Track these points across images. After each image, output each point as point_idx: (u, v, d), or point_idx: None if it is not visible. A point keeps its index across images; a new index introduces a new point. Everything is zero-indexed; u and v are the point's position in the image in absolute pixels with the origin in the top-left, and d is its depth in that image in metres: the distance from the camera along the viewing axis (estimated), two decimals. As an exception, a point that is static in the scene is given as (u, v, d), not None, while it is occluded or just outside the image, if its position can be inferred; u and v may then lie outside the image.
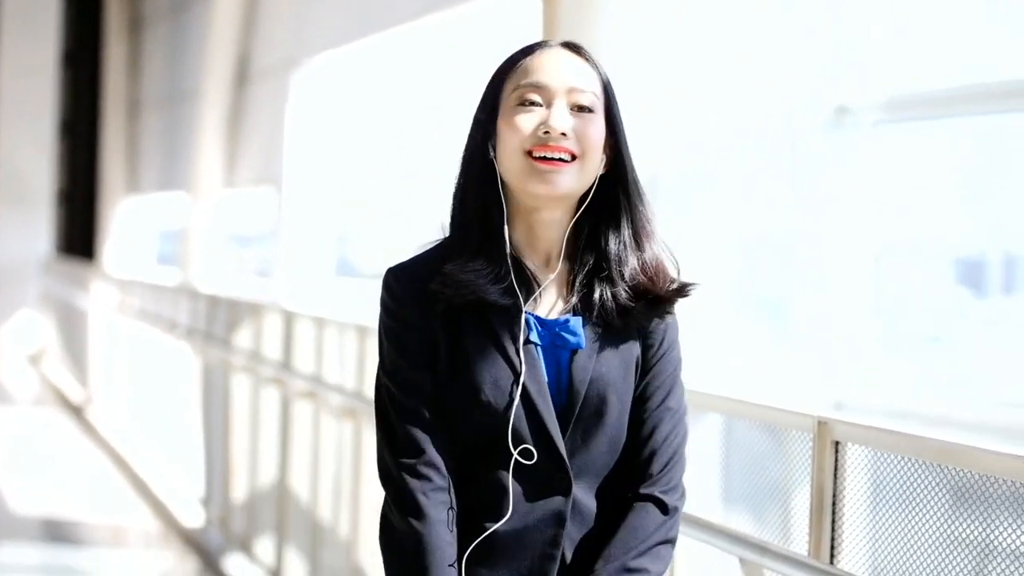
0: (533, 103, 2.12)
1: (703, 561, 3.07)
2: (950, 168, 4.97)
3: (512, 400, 2.07)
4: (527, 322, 2.11)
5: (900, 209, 5.00)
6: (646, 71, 4.67)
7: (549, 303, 2.16)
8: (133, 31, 15.30)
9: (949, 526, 2.35)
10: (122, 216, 15.19)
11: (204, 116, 11.25)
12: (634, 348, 2.16)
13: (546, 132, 2.10)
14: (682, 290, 2.16)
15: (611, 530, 2.11)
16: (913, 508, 2.41)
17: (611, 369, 2.13)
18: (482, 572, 2.10)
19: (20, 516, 8.11)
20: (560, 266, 2.16)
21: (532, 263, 2.16)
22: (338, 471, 5.49)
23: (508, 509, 2.09)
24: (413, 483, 2.07)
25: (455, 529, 2.09)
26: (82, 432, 11.41)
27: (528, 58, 2.16)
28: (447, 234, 2.18)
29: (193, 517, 7.81)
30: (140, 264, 14.45)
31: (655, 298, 2.14)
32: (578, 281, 2.16)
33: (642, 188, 2.18)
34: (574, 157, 2.11)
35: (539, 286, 2.14)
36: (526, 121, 2.11)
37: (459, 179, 2.18)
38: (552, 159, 2.10)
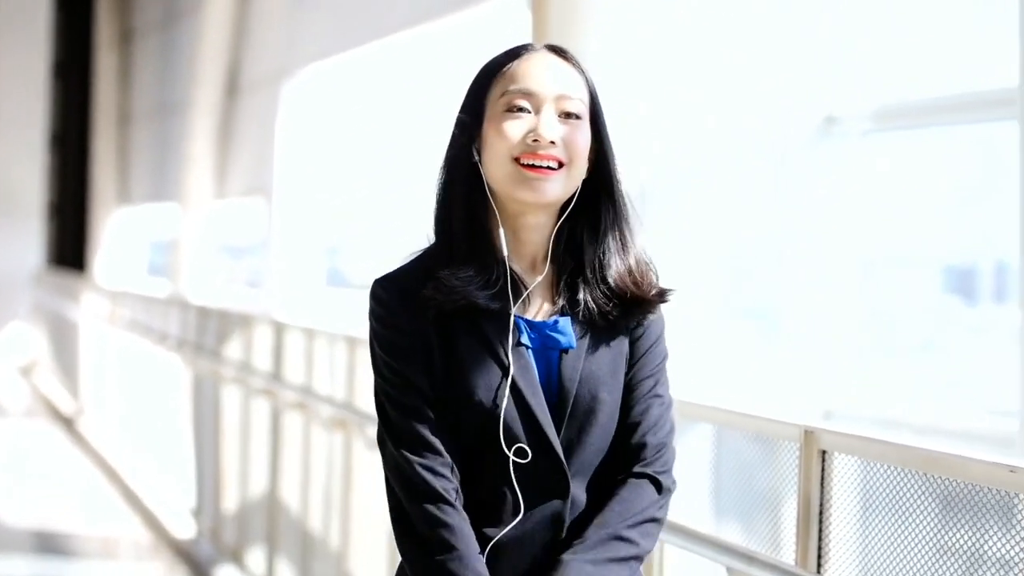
0: (521, 109, 2.12)
1: (691, 571, 3.07)
2: (939, 177, 4.98)
3: (502, 398, 2.07)
4: (517, 325, 2.11)
5: (889, 218, 5.01)
6: (635, 81, 4.68)
7: (537, 306, 2.16)
8: (124, 43, 15.30)
9: (937, 535, 2.35)
10: (113, 228, 15.19)
11: (194, 127, 11.26)
12: (622, 344, 2.16)
13: (535, 140, 2.09)
14: (663, 294, 2.17)
15: (602, 505, 2.11)
16: (901, 517, 2.40)
17: (601, 367, 2.13)
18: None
19: (11, 527, 8.08)
20: (547, 269, 2.17)
21: (518, 267, 2.16)
22: (328, 482, 5.49)
23: (519, 513, 2.08)
24: (427, 475, 2.06)
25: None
26: (73, 443, 11.39)
27: (515, 62, 2.14)
28: (432, 242, 2.18)
29: (184, 528, 7.79)
30: (131, 275, 14.44)
31: (639, 301, 2.15)
32: (563, 283, 2.16)
33: (626, 192, 2.18)
34: (561, 165, 2.11)
35: (526, 289, 2.15)
36: (514, 128, 2.10)
37: (442, 181, 2.17)
38: (540, 167, 2.09)
